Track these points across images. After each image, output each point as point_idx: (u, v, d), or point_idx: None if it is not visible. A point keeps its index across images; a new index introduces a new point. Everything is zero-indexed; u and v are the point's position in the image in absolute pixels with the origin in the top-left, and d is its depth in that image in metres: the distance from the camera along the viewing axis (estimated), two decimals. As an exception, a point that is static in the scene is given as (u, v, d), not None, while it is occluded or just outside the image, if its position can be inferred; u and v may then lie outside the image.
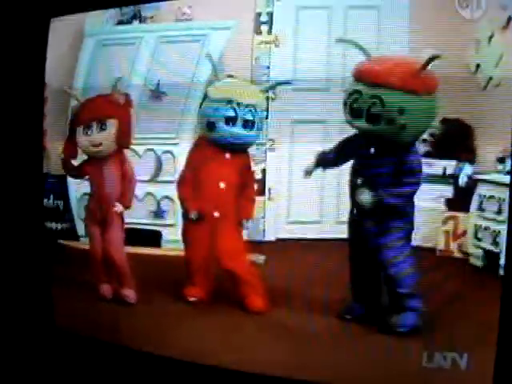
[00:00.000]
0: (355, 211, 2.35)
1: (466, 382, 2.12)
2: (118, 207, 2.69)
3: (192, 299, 2.64)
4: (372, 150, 2.28)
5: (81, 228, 2.96)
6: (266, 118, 2.59)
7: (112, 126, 2.63)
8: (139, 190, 2.76)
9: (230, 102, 2.47)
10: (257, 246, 2.67)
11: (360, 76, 2.24)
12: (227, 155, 2.55)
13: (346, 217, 2.40)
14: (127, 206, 2.72)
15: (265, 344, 2.41)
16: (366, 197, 2.28)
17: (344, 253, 2.40)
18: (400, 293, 2.28)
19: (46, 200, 2.99)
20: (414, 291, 2.27)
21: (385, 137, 2.22)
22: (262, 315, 2.53)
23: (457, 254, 2.43)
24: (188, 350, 2.47)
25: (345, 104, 2.27)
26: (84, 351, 2.70)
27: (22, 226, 2.91)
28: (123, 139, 2.66)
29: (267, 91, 2.54)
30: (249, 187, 2.61)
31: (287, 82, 2.50)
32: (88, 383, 2.66)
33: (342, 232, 2.41)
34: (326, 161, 2.42)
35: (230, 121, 2.47)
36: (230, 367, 2.39)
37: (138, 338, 2.59)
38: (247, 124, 2.47)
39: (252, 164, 2.62)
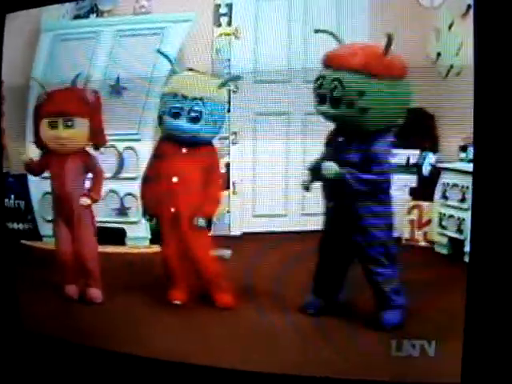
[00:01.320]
0: (331, 202, 2.31)
1: (436, 369, 2.13)
2: (85, 200, 2.63)
3: (177, 302, 2.59)
4: (341, 138, 2.25)
5: (43, 227, 2.92)
6: (228, 111, 2.57)
7: (81, 124, 2.57)
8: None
9: (175, 95, 2.45)
10: (223, 240, 2.66)
11: (326, 62, 2.21)
12: (183, 150, 2.51)
13: (311, 209, 2.39)
14: (96, 200, 2.66)
15: (234, 340, 2.40)
16: (331, 166, 2.23)
17: (310, 246, 2.39)
18: (384, 289, 2.26)
19: (6, 200, 2.93)
20: (398, 287, 2.26)
21: (348, 121, 2.19)
22: (229, 311, 2.51)
23: (422, 243, 2.46)
24: (158, 347, 2.44)
25: (314, 90, 2.24)
26: (54, 353, 2.66)
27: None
28: (98, 139, 2.62)
29: (223, 86, 2.48)
30: (212, 186, 2.55)
31: (238, 77, 2.49)
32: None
33: (308, 224, 2.40)
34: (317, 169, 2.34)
35: (175, 114, 2.45)
36: (200, 364, 2.37)
37: (106, 337, 2.55)
38: (193, 117, 2.43)
39: (218, 163, 2.57)
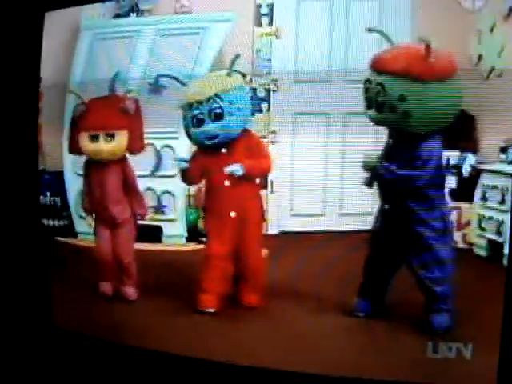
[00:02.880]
0: (385, 204, 2.28)
1: (472, 372, 2.11)
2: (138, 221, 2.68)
3: (210, 310, 2.53)
4: (390, 141, 2.24)
5: (79, 224, 2.95)
6: (268, 110, 2.59)
7: (121, 137, 2.57)
8: (139, 185, 2.70)
9: (191, 105, 2.43)
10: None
11: (371, 65, 2.19)
12: (223, 150, 2.48)
13: (349, 209, 2.39)
14: (145, 213, 2.70)
15: (270, 339, 2.39)
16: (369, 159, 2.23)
17: (348, 246, 2.39)
18: (436, 292, 2.23)
19: (42, 197, 2.95)
20: (447, 291, 2.23)
21: (392, 126, 2.17)
22: (262, 310, 2.50)
23: (461, 244, 2.45)
24: (190, 346, 2.43)
25: (363, 94, 2.22)
26: (84, 350, 2.66)
27: (18, 224, 2.86)
28: (135, 148, 2.62)
29: (231, 73, 2.44)
30: (260, 154, 2.51)
31: (237, 56, 2.42)
32: (89, 382, 2.62)
33: (346, 224, 2.40)
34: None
35: (199, 122, 2.42)
36: (238, 364, 2.36)
37: (139, 335, 2.54)
38: (215, 115, 2.41)
39: (259, 139, 2.54)
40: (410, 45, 2.18)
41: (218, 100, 2.39)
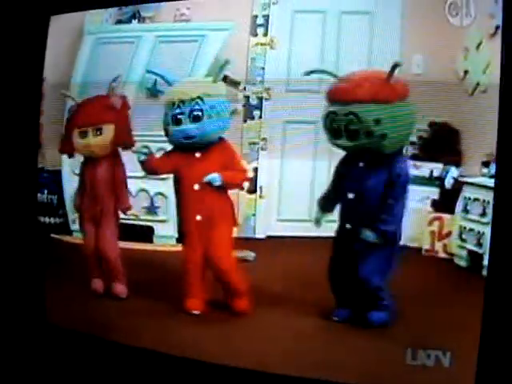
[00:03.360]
0: (344, 225, 2.40)
1: (449, 380, 2.15)
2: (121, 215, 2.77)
3: (196, 312, 2.59)
4: (361, 163, 2.35)
5: (74, 222, 2.99)
6: (260, 117, 2.65)
7: (108, 130, 2.69)
8: (133, 186, 2.81)
9: (173, 104, 2.51)
10: (247, 243, 2.70)
11: (333, 97, 2.32)
12: (197, 154, 2.54)
13: (335, 216, 2.44)
14: (127, 208, 2.78)
15: (255, 343, 2.44)
16: (368, 235, 2.34)
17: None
18: (370, 290, 2.37)
19: (39, 195, 3.01)
20: (384, 289, 2.36)
21: (368, 149, 2.28)
22: (250, 315, 2.54)
23: (441, 254, 2.48)
24: (180, 345, 2.49)
25: (324, 127, 2.35)
26: (75, 346, 2.71)
27: (15, 221, 2.92)
28: (121, 141, 2.72)
29: (217, 80, 2.54)
30: (235, 168, 2.57)
31: (227, 61, 2.52)
32: (80, 378, 2.66)
33: (331, 230, 2.44)
34: (328, 201, 2.46)
35: (178, 121, 2.50)
36: (223, 364, 2.41)
37: (129, 333, 2.60)
38: (194, 116, 2.48)
39: (236, 155, 2.60)
40: (367, 71, 2.34)
41: (201, 102, 2.47)
